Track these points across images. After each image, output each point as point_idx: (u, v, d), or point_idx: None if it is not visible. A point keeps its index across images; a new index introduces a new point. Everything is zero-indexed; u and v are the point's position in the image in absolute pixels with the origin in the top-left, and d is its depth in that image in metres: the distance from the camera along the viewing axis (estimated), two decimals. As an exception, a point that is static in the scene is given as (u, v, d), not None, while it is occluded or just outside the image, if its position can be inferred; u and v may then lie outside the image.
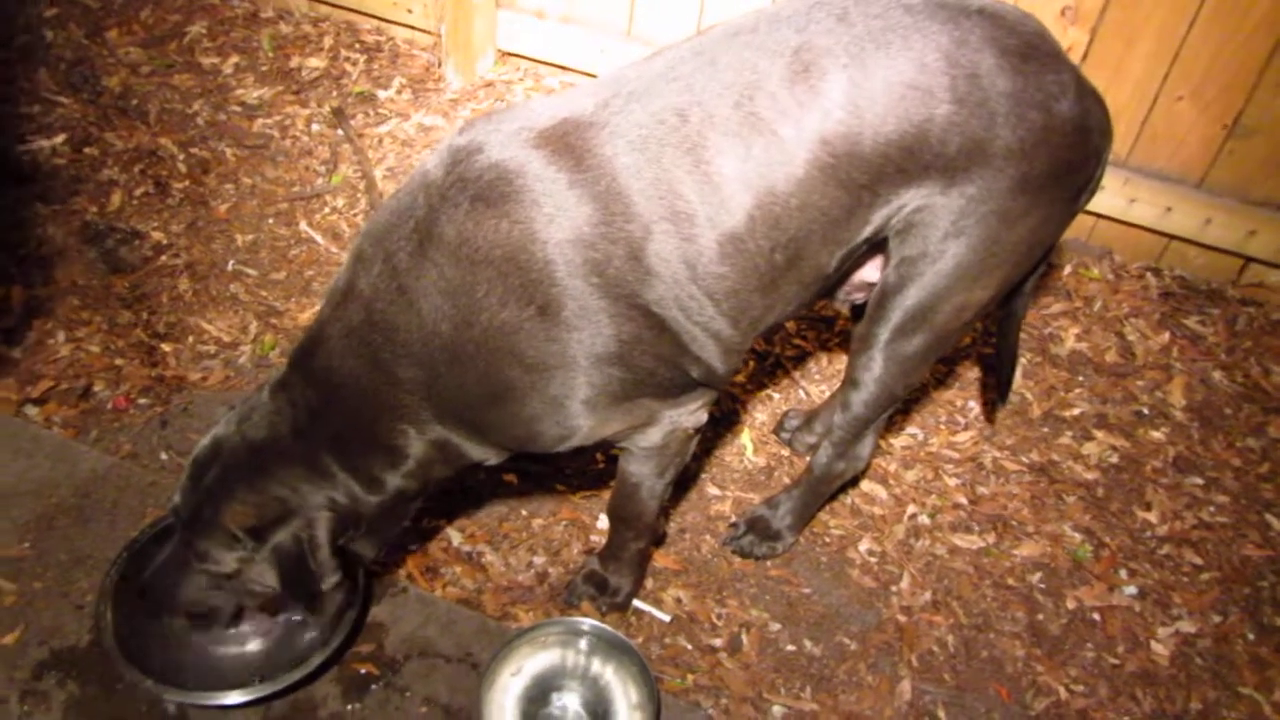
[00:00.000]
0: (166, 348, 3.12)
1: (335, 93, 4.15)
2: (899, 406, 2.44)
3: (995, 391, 3.11)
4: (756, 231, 1.90)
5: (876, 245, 2.14)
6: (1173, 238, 3.63)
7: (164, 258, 3.42)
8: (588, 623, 2.32)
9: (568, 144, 1.87)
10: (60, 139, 3.79)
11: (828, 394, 3.19)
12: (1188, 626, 2.70)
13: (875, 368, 2.26)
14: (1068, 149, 2.01)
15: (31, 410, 2.87)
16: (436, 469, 2.16)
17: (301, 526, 2.06)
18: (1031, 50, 1.96)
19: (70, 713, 2.18)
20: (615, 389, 2.00)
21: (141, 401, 2.96)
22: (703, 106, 1.87)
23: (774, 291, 2.01)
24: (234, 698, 2.16)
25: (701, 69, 1.89)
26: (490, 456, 2.17)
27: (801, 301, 2.13)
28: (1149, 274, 3.68)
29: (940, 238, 2.03)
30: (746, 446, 3.06)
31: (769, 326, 2.14)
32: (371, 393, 2.01)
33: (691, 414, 2.16)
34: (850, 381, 2.34)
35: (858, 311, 2.80)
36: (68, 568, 2.43)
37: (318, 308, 3.24)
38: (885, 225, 2.05)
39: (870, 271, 2.29)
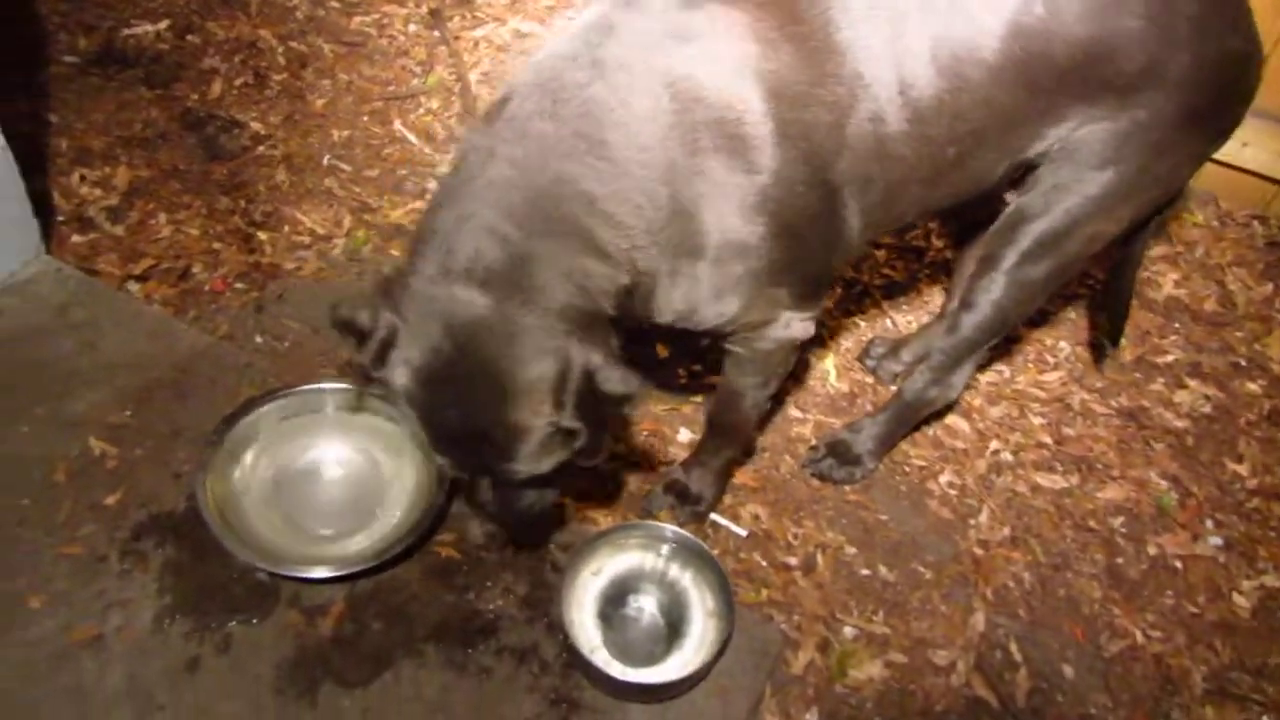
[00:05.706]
0: (263, 235, 3.16)
1: (433, -6, 4.13)
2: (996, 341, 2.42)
3: (1102, 333, 3.06)
4: (942, 118, 1.89)
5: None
6: (1284, 185, 3.50)
7: (261, 148, 3.46)
8: (670, 529, 2.34)
9: None
10: (164, 25, 3.82)
11: (914, 324, 3.16)
12: (1272, 581, 2.65)
13: (995, 290, 2.24)
14: (1229, 85, 2.02)
15: (133, 287, 2.93)
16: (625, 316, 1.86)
17: (582, 362, 1.69)
18: None
19: (166, 574, 2.25)
20: (779, 268, 1.90)
21: (238, 286, 3.00)
22: None
23: (931, 187, 2.02)
24: (321, 572, 2.22)
25: None
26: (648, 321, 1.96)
27: (939, 209, 2.16)
28: (1255, 222, 3.57)
29: (1098, 164, 2.04)
30: (830, 372, 3.04)
31: (890, 229, 2.16)
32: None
33: (802, 321, 2.13)
34: (964, 304, 2.32)
35: (962, 238, 2.76)
36: (166, 438, 2.49)
37: (411, 205, 3.29)
38: (1048, 150, 2.06)
39: None
